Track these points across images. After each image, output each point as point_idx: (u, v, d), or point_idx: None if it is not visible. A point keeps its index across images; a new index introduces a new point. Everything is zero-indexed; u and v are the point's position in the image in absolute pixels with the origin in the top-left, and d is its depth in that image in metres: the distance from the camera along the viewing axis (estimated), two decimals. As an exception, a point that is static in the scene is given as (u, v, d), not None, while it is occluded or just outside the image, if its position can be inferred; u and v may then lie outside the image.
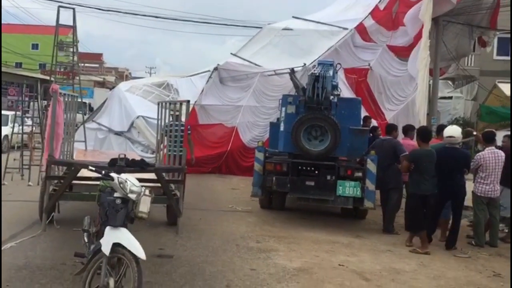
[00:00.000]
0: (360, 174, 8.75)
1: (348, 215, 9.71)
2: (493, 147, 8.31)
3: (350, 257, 7.08)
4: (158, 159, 9.67)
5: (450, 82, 30.99)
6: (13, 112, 14.84)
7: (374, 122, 13.42)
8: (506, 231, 8.89)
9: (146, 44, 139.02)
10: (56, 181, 7.32)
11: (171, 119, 8.65)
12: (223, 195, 11.71)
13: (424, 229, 7.73)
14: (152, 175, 6.91)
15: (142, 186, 4.98)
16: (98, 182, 5.38)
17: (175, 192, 7.38)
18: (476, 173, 8.33)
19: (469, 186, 8.37)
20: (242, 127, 15.16)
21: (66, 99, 8.30)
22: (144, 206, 5.08)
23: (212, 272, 6.04)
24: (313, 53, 16.02)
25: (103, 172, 4.91)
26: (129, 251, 4.59)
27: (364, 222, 9.56)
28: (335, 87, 9.29)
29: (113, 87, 36.70)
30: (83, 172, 6.63)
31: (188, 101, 7.84)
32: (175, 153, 9.04)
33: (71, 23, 13.19)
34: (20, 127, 12.40)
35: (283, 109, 9.38)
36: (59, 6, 12.11)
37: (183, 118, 8.47)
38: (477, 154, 8.48)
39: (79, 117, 12.84)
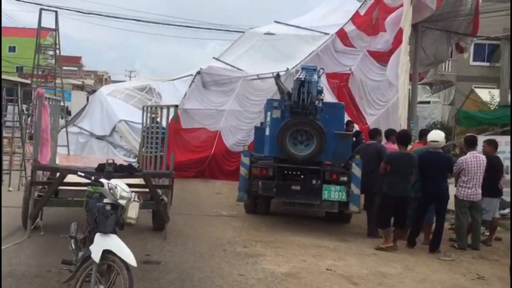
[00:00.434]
0: (345, 178, 8.82)
1: (333, 219, 9.78)
2: (475, 152, 8.48)
3: (337, 261, 7.13)
4: (141, 164, 9.59)
5: (428, 87, 31.49)
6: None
7: (356, 127, 13.57)
8: (487, 234, 9.06)
9: (126, 48, 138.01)
10: (40, 187, 7.19)
11: (149, 122, 8.72)
12: (207, 199, 11.67)
13: (389, 227, 8.10)
14: (138, 180, 6.87)
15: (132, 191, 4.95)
16: (85, 188, 5.33)
17: (163, 197, 7.33)
18: (458, 177, 8.48)
19: (452, 190, 8.53)
20: (225, 131, 15.15)
21: (50, 103, 8.18)
22: (133, 212, 5.04)
23: (200, 278, 6.01)
24: (295, 58, 16.14)
25: (93, 178, 4.86)
26: (120, 258, 4.54)
27: (349, 226, 9.64)
28: (320, 92, 9.37)
29: (92, 91, 36.35)
30: (69, 178, 6.55)
31: (176, 106, 7.81)
32: (151, 154, 9.40)
33: (49, 26, 13.01)
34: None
35: (269, 113, 9.42)
36: (41, 9, 11.91)
37: (163, 121, 8.47)
38: (460, 159, 8.64)
39: (60, 121, 12.66)
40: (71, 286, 4.52)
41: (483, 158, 8.35)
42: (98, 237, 4.60)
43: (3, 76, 33.78)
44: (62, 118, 16.64)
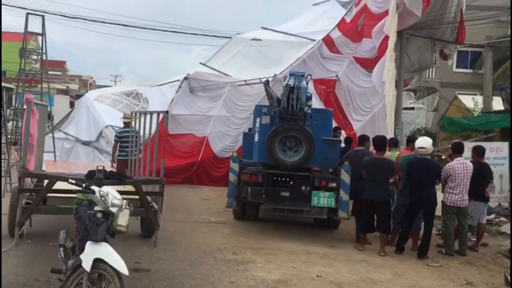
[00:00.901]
0: (334, 184, 8.86)
1: (321, 225, 9.80)
2: (462, 158, 8.57)
3: (327, 268, 7.15)
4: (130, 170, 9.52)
5: (412, 93, 31.83)
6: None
7: (343, 133, 13.64)
8: (474, 239, 9.16)
9: (111, 52, 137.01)
10: (28, 194, 7.08)
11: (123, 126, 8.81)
12: (195, 206, 11.61)
13: (370, 231, 8.47)
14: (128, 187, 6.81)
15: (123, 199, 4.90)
16: (74, 195, 5.26)
17: (153, 204, 7.27)
18: (445, 183, 8.57)
19: (439, 196, 8.61)
20: (213, 137, 15.09)
21: (37, 108, 8.06)
22: (123, 219, 5.00)
23: (191, 286, 5.98)
24: (282, 64, 16.18)
25: (84, 185, 4.81)
26: (111, 267, 4.50)
27: (337, 232, 9.67)
28: (309, 98, 9.40)
29: (77, 95, 35.98)
30: (58, 184, 6.46)
31: (167, 112, 7.78)
32: (123, 158, 10.06)
33: (32, 30, 12.82)
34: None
35: (258, 119, 9.41)
36: (28, 13, 11.76)
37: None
38: (447, 165, 8.74)
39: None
40: (62, 295, 4.46)
41: (469, 164, 8.45)
42: (89, 245, 4.54)
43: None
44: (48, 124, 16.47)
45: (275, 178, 9.02)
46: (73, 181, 4.89)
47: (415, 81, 23.38)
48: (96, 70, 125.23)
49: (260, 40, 17.78)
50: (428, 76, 28.21)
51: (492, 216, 11.08)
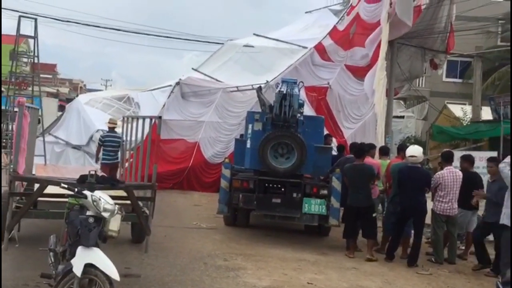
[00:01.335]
0: (325, 191, 8.90)
1: (312, 232, 9.81)
2: (452, 167, 8.65)
3: (317, 275, 7.15)
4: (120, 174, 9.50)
5: (402, 102, 32.08)
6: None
7: (334, 140, 13.69)
8: (463, 248, 9.22)
9: (102, 56, 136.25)
10: (18, 198, 7.01)
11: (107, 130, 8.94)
12: (186, 211, 11.57)
13: (355, 236, 8.54)
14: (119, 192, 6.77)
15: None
16: (65, 200, 5.23)
17: (144, 210, 7.24)
18: (435, 191, 8.63)
19: (429, 204, 8.66)
20: (204, 142, 15.09)
21: (29, 112, 8.01)
22: (115, 224, 4.99)
23: (182, 292, 5.95)
24: (274, 71, 16.25)
25: (76, 189, 4.78)
26: (102, 272, 4.47)
27: (328, 239, 9.68)
28: (301, 105, 9.45)
29: (67, 99, 35.73)
30: (48, 189, 6.41)
31: (160, 117, 7.78)
32: (107, 162, 10.57)
33: (23, 33, 12.77)
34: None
35: (250, 126, 9.43)
36: (20, 16, 11.71)
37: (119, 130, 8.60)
38: (436, 173, 8.81)
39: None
40: (51, 300, 4.42)
41: (459, 173, 8.52)
42: (80, 250, 4.52)
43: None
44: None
45: (266, 184, 9.03)
46: (66, 186, 4.86)
47: (405, 90, 23.60)
48: (87, 73, 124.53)
49: (252, 46, 17.85)
50: (418, 85, 28.46)
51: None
